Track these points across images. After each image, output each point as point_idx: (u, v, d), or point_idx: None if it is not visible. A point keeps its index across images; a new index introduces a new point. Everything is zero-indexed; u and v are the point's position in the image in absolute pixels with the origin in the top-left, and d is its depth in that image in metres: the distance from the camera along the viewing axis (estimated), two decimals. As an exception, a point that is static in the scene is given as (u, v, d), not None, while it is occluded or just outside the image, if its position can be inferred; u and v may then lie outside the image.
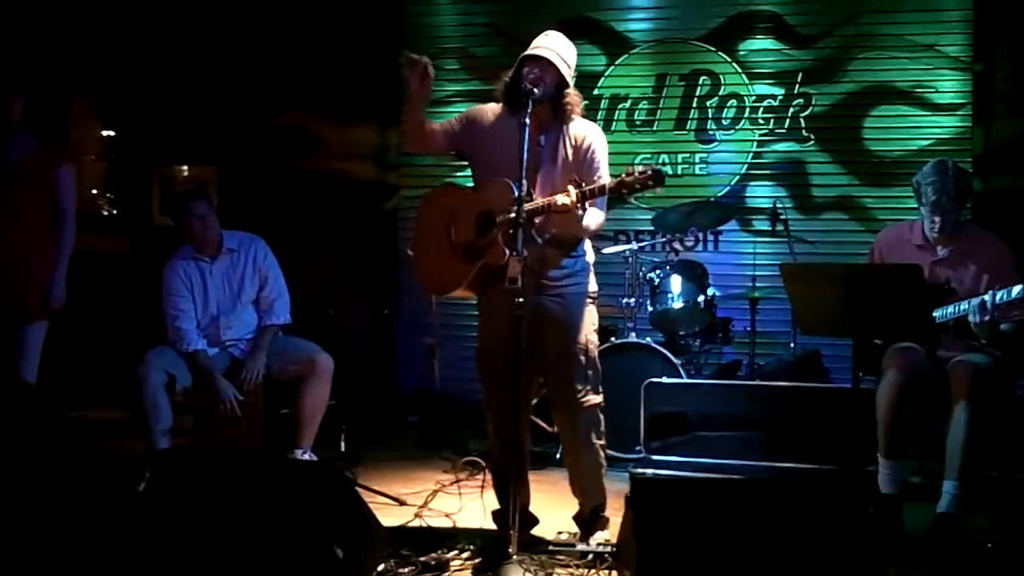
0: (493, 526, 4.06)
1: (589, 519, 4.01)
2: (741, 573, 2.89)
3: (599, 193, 3.64)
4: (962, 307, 4.13)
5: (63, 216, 4.67)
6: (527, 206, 3.62)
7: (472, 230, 3.85)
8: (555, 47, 3.82)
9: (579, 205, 3.60)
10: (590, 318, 3.95)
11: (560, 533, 4.07)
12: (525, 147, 3.59)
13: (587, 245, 4.00)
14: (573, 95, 3.85)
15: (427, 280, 4.11)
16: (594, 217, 3.78)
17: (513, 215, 3.59)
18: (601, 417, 3.96)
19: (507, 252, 3.57)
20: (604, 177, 3.81)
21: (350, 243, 7.49)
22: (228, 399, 4.78)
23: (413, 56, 3.89)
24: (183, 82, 7.66)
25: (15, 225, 4.56)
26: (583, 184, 3.61)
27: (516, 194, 3.57)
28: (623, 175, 3.59)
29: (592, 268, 4.01)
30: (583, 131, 3.87)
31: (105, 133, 8.00)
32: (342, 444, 5.39)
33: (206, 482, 3.23)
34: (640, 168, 3.57)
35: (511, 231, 3.59)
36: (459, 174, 5.28)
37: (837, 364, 5.80)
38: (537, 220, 3.72)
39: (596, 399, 3.92)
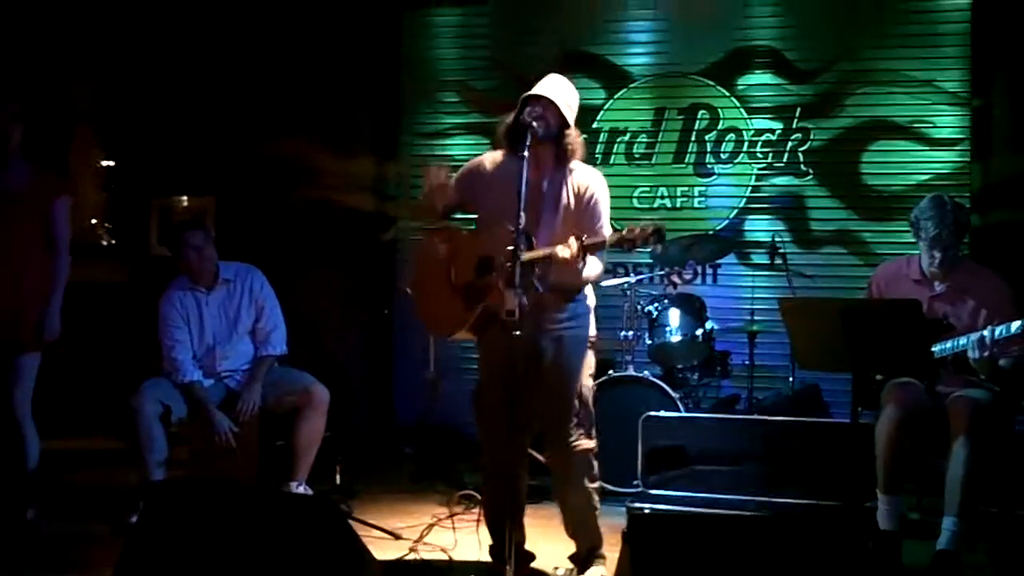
0: (489, 561, 4.03)
1: (585, 558, 3.98)
2: (739, 610, 2.86)
3: (600, 248, 3.65)
4: (960, 342, 4.12)
5: (57, 247, 4.63)
6: (528, 255, 3.63)
7: (472, 273, 3.87)
8: (557, 88, 3.83)
9: (579, 258, 3.60)
10: (587, 362, 3.95)
11: (556, 568, 4.03)
12: (524, 180, 3.59)
13: (588, 289, 3.99)
14: (574, 136, 3.85)
15: (428, 321, 4.12)
16: (593, 267, 3.79)
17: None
18: (594, 462, 3.94)
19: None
20: (605, 227, 3.84)
21: (347, 274, 7.48)
22: (223, 431, 4.76)
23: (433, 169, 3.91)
24: (182, 112, 7.68)
25: (10, 255, 4.54)
26: (584, 237, 3.61)
27: (514, 229, 3.57)
28: (624, 232, 3.60)
29: (592, 311, 4.01)
30: (586, 179, 3.87)
31: (105, 163, 8.02)
32: (337, 477, 5.36)
33: (200, 515, 3.19)
34: (642, 225, 3.57)
35: (510, 270, 3.58)
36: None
37: (836, 399, 5.77)
38: (537, 269, 3.72)
39: (589, 444, 3.91)
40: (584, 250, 3.59)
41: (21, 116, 4.59)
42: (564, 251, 3.58)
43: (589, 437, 3.90)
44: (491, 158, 3.98)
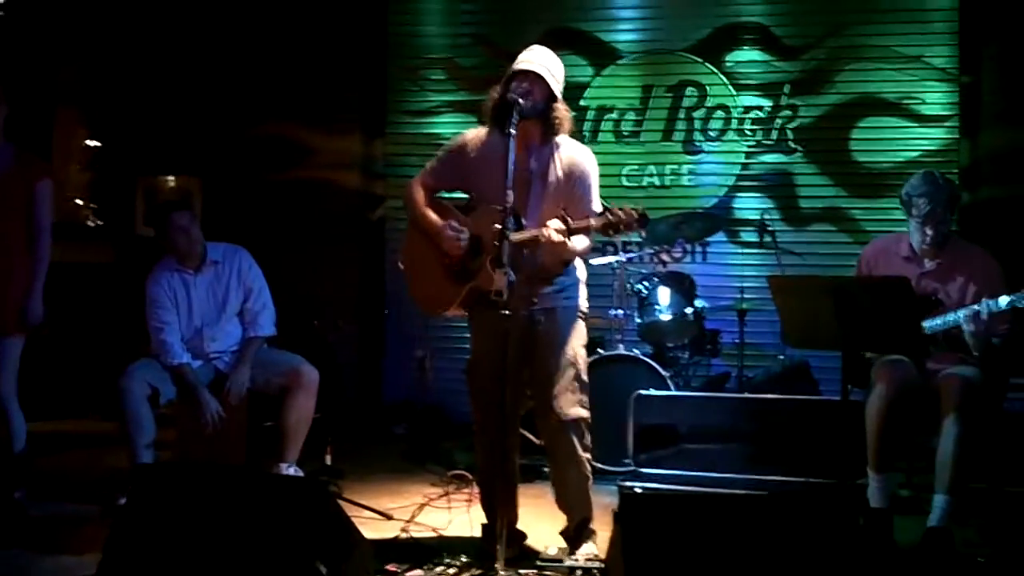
0: (480, 540, 4.02)
1: (576, 533, 3.98)
2: (731, 589, 2.86)
3: (585, 231, 3.65)
4: (950, 318, 4.13)
5: (39, 231, 4.58)
6: (515, 237, 3.61)
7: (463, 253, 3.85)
8: (543, 61, 3.80)
9: (566, 240, 3.60)
10: (579, 332, 3.95)
11: (548, 548, 4.03)
12: (511, 158, 3.57)
13: (578, 261, 3.97)
14: (562, 110, 3.82)
15: (419, 298, 4.10)
16: (580, 242, 3.77)
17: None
18: (587, 430, 3.93)
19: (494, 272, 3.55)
20: (595, 202, 3.84)
21: (336, 254, 7.45)
22: (212, 413, 4.73)
23: None
24: (168, 92, 7.63)
25: None
26: (569, 218, 3.60)
27: (501, 208, 3.54)
28: (608, 215, 3.58)
29: (583, 283, 3.99)
30: (575, 155, 3.85)
31: (90, 143, 7.95)
32: (328, 457, 5.34)
33: (189, 496, 3.18)
34: (626, 209, 3.56)
35: (498, 250, 3.56)
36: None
37: (826, 376, 5.78)
38: (525, 250, 3.70)
39: (583, 412, 3.90)
40: (570, 233, 3.59)
41: (2, 98, 4.54)
42: (553, 234, 3.57)
43: (583, 407, 3.90)
44: (475, 136, 3.95)
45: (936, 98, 6.72)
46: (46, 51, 7.43)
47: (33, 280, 4.55)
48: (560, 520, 4.06)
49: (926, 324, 4.12)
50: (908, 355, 4.30)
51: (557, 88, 3.80)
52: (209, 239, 5.03)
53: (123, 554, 3.12)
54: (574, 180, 3.82)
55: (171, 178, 7.80)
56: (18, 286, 4.51)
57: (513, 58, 3.85)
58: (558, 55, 3.89)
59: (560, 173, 3.82)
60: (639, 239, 6.39)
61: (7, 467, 4.57)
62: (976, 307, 4.03)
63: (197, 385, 4.78)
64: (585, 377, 3.93)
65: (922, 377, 4.28)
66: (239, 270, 5.02)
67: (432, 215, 3.96)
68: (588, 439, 3.95)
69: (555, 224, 3.59)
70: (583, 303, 3.99)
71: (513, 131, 3.60)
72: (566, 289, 3.92)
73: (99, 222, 7.89)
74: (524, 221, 3.76)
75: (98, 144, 7.92)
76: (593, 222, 3.63)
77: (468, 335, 4.07)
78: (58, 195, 4.76)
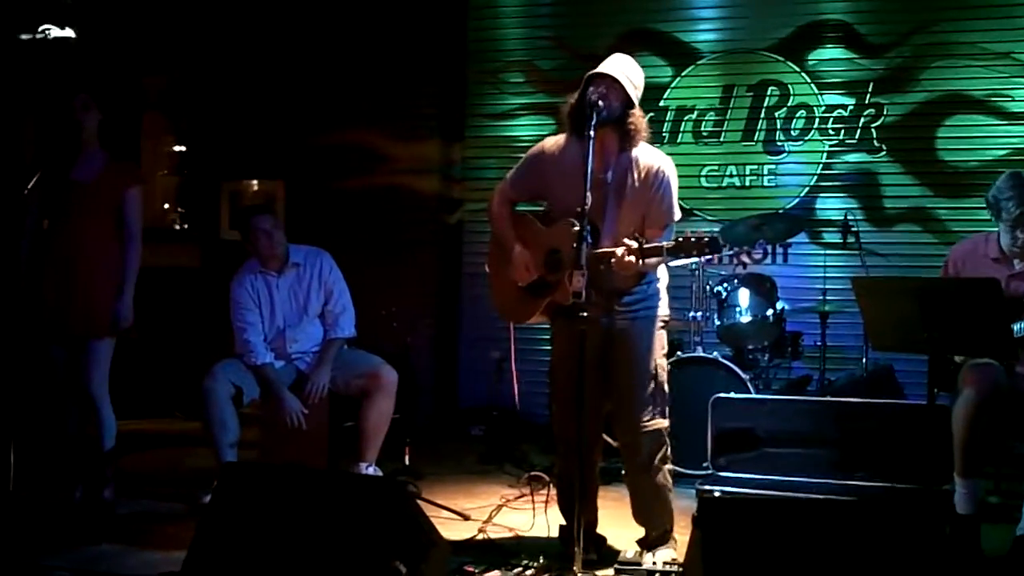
0: (558, 542, 4.02)
1: (654, 543, 3.94)
2: (812, 595, 2.82)
3: (657, 254, 3.60)
4: (1042, 321, 4.01)
5: (129, 238, 4.71)
6: (592, 252, 3.62)
7: (541, 266, 3.87)
8: (621, 67, 3.78)
9: (638, 261, 3.58)
10: (660, 342, 3.92)
11: (626, 551, 4.01)
12: (590, 159, 3.56)
13: (660, 270, 3.95)
14: (638, 116, 3.79)
15: (499, 307, 4.14)
16: (655, 261, 3.72)
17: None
18: (667, 441, 3.90)
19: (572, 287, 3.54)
20: (675, 214, 3.83)
21: (414, 257, 7.51)
22: (294, 412, 4.80)
23: None
24: (251, 98, 7.77)
25: (84, 245, 4.63)
26: (642, 239, 3.58)
27: (580, 209, 3.54)
28: (681, 239, 3.56)
29: (665, 291, 3.97)
30: (653, 161, 3.81)
31: (176, 148, 8.14)
32: (406, 458, 5.39)
33: (271, 495, 3.23)
34: (698, 234, 3.54)
35: (576, 253, 3.55)
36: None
37: (911, 380, 5.67)
38: (601, 266, 3.69)
39: (662, 423, 3.88)
40: (642, 255, 3.57)
41: (93, 105, 4.66)
42: (623, 253, 3.56)
43: (662, 416, 3.88)
44: (553, 144, 3.94)
45: (1025, 95, 6.54)
46: (133, 59, 7.62)
47: (123, 284, 4.66)
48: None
49: (1016, 327, 4.01)
50: (997, 358, 4.19)
51: (635, 94, 3.77)
52: (291, 241, 5.11)
53: (208, 551, 3.18)
54: (652, 187, 3.78)
55: (255, 182, 7.93)
56: (107, 293, 4.64)
57: (592, 60, 3.85)
58: (637, 56, 3.87)
59: (637, 181, 3.78)
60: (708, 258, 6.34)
61: (96, 465, 4.70)
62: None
63: (279, 384, 4.86)
64: (666, 387, 3.91)
65: (1011, 381, 4.16)
66: (320, 272, 5.09)
67: (510, 234, 3.99)
68: (668, 449, 3.92)
69: (628, 243, 3.57)
70: (664, 310, 3.96)
71: (592, 134, 3.59)
72: (647, 299, 3.90)
73: (185, 226, 8.06)
74: (601, 233, 3.75)
75: (184, 149, 8.10)
76: (665, 245, 3.60)
77: (547, 337, 4.08)
78: (146, 200, 4.88)
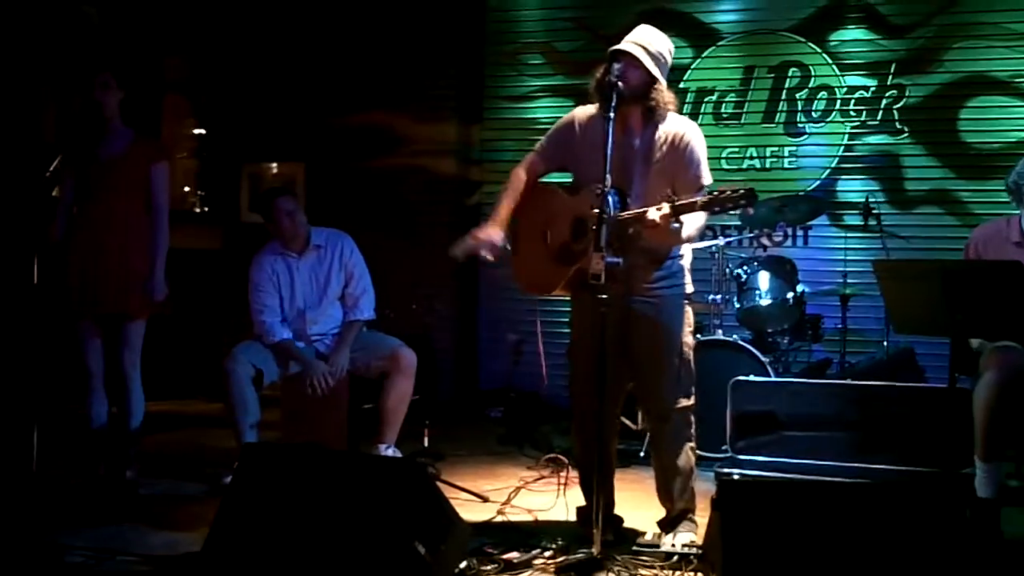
0: (577, 524, 4.03)
1: (674, 523, 3.94)
2: (831, 578, 2.82)
3: (690, 209, 3.51)
4: (1065, 305, 3.98)
5: (157, 212, 4.74)
6: (619, 216, 3.59)
7: (567, 234, 3.84)
8: (643, 41, 3.73)
9: (671, 220, 3.51)
10: (686, 319, 3.90)
11: (645, 533, 4.01)
12: (610, 140, 3.54)
13: (683, 247, 3.92)
14: (662, 91, 3.75)
15: (522, 278, 4.10)
16: (692, 224, 3.64)
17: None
18: (693, 420, 3.90)
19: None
20: (705, 176, 3.76)
21: (433, 239, 7.52)
22: (319, 376, 4.81)
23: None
24: (271, 80, 7.77)
25: (115, 223, 4.66)
26: (675, 198, 3.50)
27: (600, 191, 3.52)
28: (716, 192, 3.50)
29: (688, 269, 3.95)
30: (679, 128, 3.77)
31: (196, 131, 8.16)
32: (425, 440, 5.41)
33: (292, 476, 3.26)
34: (733, 187, 3.47)
35: (596, 233, 3.53)
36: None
37: (932, 363, 5.64)
38: (631, 230, 3.66)
39: (688, 402, 3.87)
40: (676, 211, 3.51)
41: (115, 85, 4.68)
42: (654, 213, 3.50)
43: (688, 396, 3.87)
44: (583, 114, 3.90)
45: (1050, 76, 6.48)
46: (154, 41, 7.64)
47: (155, 260, 4.71)
48: (658, 504, 4.03)
49: (1038, 310, 3.98)
50: (1019, 341, 4.17)
51: (655, 69, 3.73)
52: (311, 224, 5.13)
53: (229, 531, 3.21)
54: (680, 153, 3.74)
55: (274, 164, 7.95)
56: (140, 270, 4.68)
57: (611, 41, 3.81)
58: (666, 37, 3.83)
59: (665, 149, 3.75)
60: (740, 222, 6.31)
61: (121, 445, 4.74)
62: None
63: (299, 352, 4.88)
64: (692, 365, 3.90)
65: (1034, 364, 4.14)
66: (341, 255, 5.11)
67: (503, 208, 3.98)
68: (693, 429, 3.92)
69: (661, 205, 3.52)
70: (688, 287, 3.94)
71: (611, 114, 3.58)
72: (671, 276, 3.86)
73: (205, 208, 8.09)
74: (629, 200, 3.72)
75: (204, 132, 8.12)
76: (699, 200, 3.52)
77: (565, 320, 4.07)
78: (169, 181, 4.91)
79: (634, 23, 3.89)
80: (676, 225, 3.55)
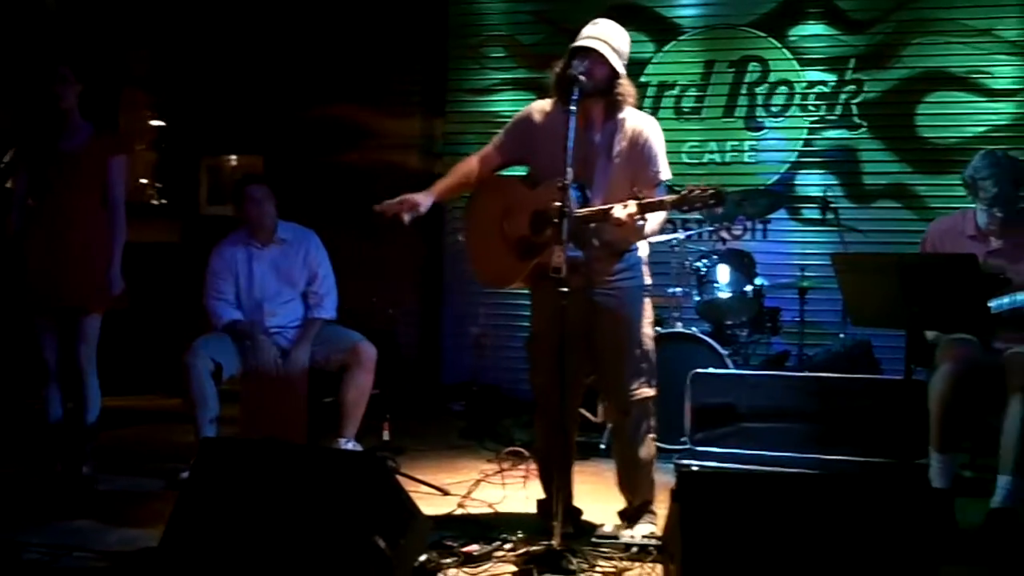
0: (537, 516, 4.03)
1: (635, 514, 3.97)
2: (788, 568, 2.84)
3: (660, 207, 3.59)
4: (1018, 297, 4.04)
5: (113, 206, 4.71)
6: (582, 212, 3.61)
7: (526, 227, 3.83)
8: (605, 37, 3.75)
9: (636, 218, 3.55)
10: (645, 311, 3.93)
11: (604, 525, 4.03)
12: (571, 136, 3.55)
13: (641, 242, 3.94)
14: (625, 86, 3.78)
15: (480, 272, 4.09)
16: (654, 218, 3.72)
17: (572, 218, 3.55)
18: (653, 410, 3.92)
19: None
20: (664, 171, 3.80)
21: (396, 232, 7.46)
22: (271, 355, 4.83)
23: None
24: (231, 72, 7.71)
25: (73, 217, 4.62)
26: (641, 196, 3.55)
27: (562, 184, 3.52)
28: (685, 191, 3.53)
29: (645, 261, 3.97)
30: (639, 124, 3.81)
31: (155, 123, 8.08)
32: (386, 433, 5.39)
33: (250, 471, 3.23)
34: (701, 186, 3.51)
35: (558, 226, 3.54)
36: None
37: (888, 355, 5.70)
38: (592, 225, 3.67)
39: (650, 393, 3.89)
40: (643, 209, 3.55)
41: (74, 78, 4.64)
42: (621, 211, 3.53)
43: (650, 386, 3.89)
44: (540, 108, 3.92)
45: (1006, 72, 6.55)
46: (113, 33, 7.55)
47: (112, 253, 4.67)
48: (617, 496, 4.05)
49: (992, 303, 4.04)
50: (974, 334, 4.22)
51: (619, 65, 3.75)
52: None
53: (186, 526, 3.18)
54: (639, 148, 3.78)
55: (234, 157, 7.89)
56: (102, 261, 4.65)
57: (574, 35, 3.82)
58: (624, 31, 3.84)
59: (625, 144, 3.78)
60: (700, 216, 6.34)
61: (77, 440, 4.69)
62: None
63: (252, 331, 4.88)
64: (653, 357, 3.92)
65: (988, 356, 4.19)
66: (307, 252, 5.13)
67: (443, 184, 4.05)
68: (654, 420, 3.94)
69: (627, 202, 3.55)
70: (647, 279, 3.97)
71: (573, 108, 3.58)
72: (630, 268, 3.89)
73: (163, 201, 8.01)
74: (590, 195, 3.74)
75: (163, 124, 8.04)
76: (667, 198, 3.58)
77: (527, 314, 4.07)
78: (126, 175, 4.87)
79: (597, 17, 3.89)
80: (642, 223, 3.58)
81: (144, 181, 8.02)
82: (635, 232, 3.68)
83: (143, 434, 5.98)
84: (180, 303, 7.04)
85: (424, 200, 3.95)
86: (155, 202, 8.03)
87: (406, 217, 3.94)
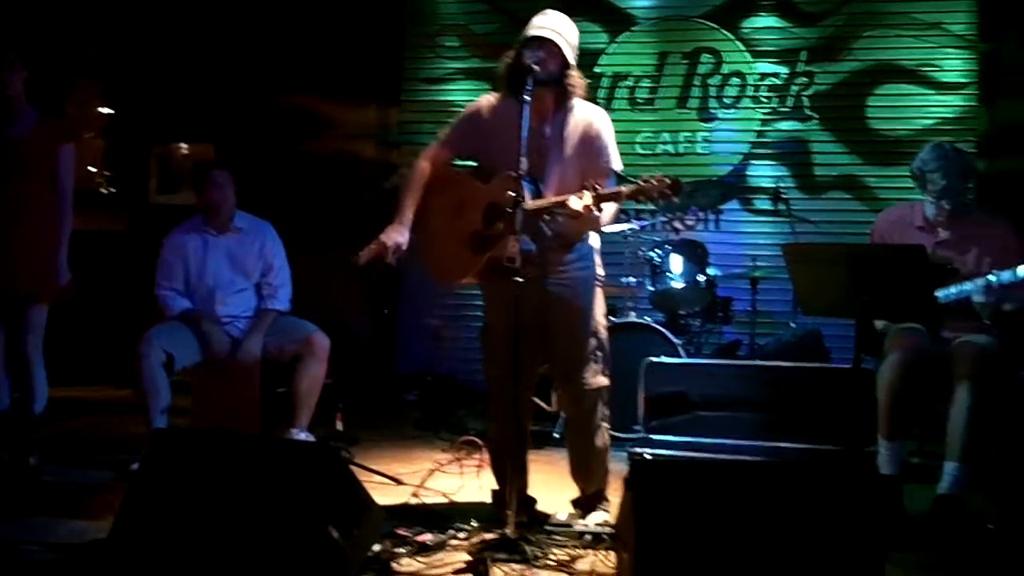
0: (491, 506, 4.04)
1: (589, 502, 3.98)
2: (740, 554, 2.87)
3: (616, 198, 3.61)
4: (966, 287, 4.09)
5: (61, 194, 4.66)
6: (535, 204, 3.62)
7: (479, 221, 3.83)
8: (558, 27, 3.76)
9: (593, 209, 3.56)
10: (599, 300, 3.94)
11: (558, 513, 4.04)
12: (525, 126, 3.55)
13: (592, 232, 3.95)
14: (576, 76, 3.79)
15: (433, 267, 4.08)
16: (608, 208, 3.73)
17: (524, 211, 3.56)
18: (607, 399, 3.94)
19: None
20: (615, 162, 3.82)
21: (350, 223, 7.44)
22: (220, 344, 4.80)
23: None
24: (182, 60, 7.61)
25: (21, 205, 4.57)
26: (598, 187, 3.56)
27: (516, 175, 3.53)
28: (641, 181, 3.55)
29: (598, 251, 3.98)
30: (588, 115, 3.83)
31: (104, 111, 7.96)
32: (339, 424, 5.37)
33: (202, 462, 3.20)
34: (658, 176, 3.52)
35: (512, 217, 3.54)
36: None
37: (838, 344, 5.77)
38: (547, 216, 3.68)
39: (604, 381, 3.91)
40: (599, 200, 3.56)
41: (20, 64, 4.57)
42: (577, 202, 3.54)
43: (603, 375, 3.91)
44: (487, 103, 3.92)
45: (954, 65, 6.65)
46: (63, 19, 7.43)
47: (60, 242, 4.61)
48: (571, 485, 4.07)
49: (939, 293, 4.09)
50: (922, 323, 4.28)
51: (571, 55, 3.76)
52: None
53: (136, 518, 3.14)
54: (590, 140, 3.80)
55: (184, 146, 7.80)
56: (48, 248, 4.60)
57: (527, 25, 3.82)
58: (573, 22, 3.86)
59: (576, 136, 3.79)
60: (653, 207, 6.37)
61: (24, 429, 4.63)
62: (989, 278, 4.00)
63: (203, 319, 4.86)
64: (606, 345, 3.94)
65: (936, 345, 4.26)
66: (263, 244, 5.13)
67: (408, 207, 3.95)
68: (607, 409, 3.96)
69: (583, 193, 3.56)
70: (600, 270, 3.98)
71: (528, 98, 3.58)
72: (583, 258, 3.90)
73: (112, 190, 7.91)
74: (542, 187, 3.74)
75: (112, 111, 7.93)
76: (624, 189, 3.60)
77: (481, 304, 4.07)
78: (74, 163, 4.81)
79: (551, 7, 3.90)
80: (597, 214, 3.59)
81: (93, 169, 7.90)
82: (590, 223, 3.70)
83: (93, 425, 5.91)
84: (129, 292, 6.96)
85: (402, 235, 3.89)
86: (104, 191, 7.92)
87: (392, 259, 3.88)
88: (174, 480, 3.17)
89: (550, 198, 3.68)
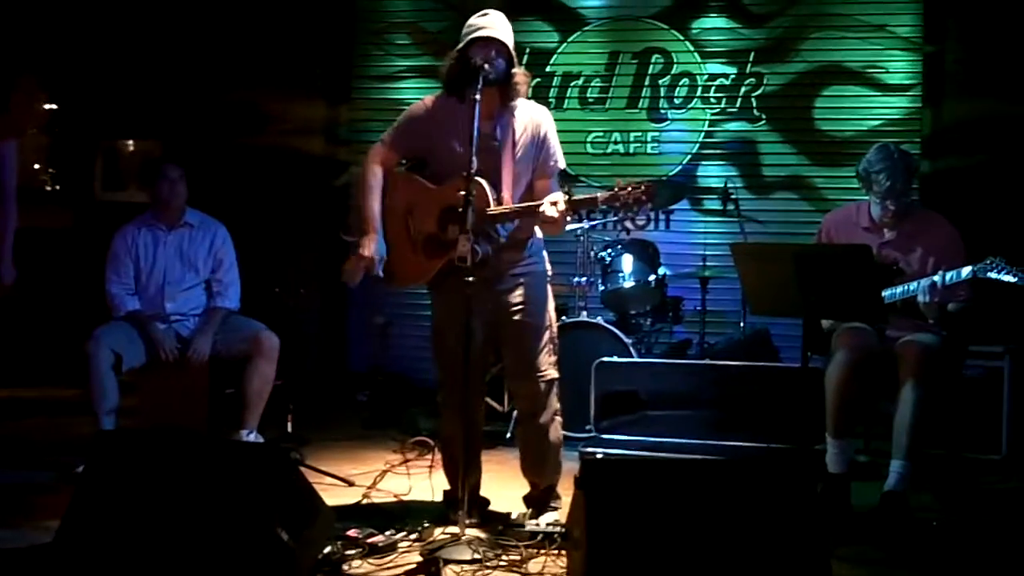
0: (442, 506, 4.03)
1: (541, 497, 3.99)
2: (691, 552, 2.89)
3: (591, 204, 3.63)
4: (911, 287, 4.15)
5: (5, 191, 4.58)
6: (501, 209, 3.63)
7: (434, 225, 3.82)
8: (502, 26, 3.78)
9: (567, 214, 3.57)
10: (549, 296, 3.96)
11: (511, 513, 4.04)
12: (476, 125, 3.55)
13: (536, 228, 3.96)
14: (521, 75, 3.80)
15: (392, 273, 4.01)
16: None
17: (484, 214, 3.58)
18: (559, 394, 3.96)
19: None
20: (560, 160, 3.88)
21: (299, 220, 7.39)
22: (168, 347, 4.76)
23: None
24: (129, 55, 7.51)
25: None
26: (570, 193, 3.59)
27: (467, 175, 3.52)
28: (616, 189, 3.55)
29: (544, 248, 3.99)
30: (534, 116, 3.85)
31: (48, 106, 7.82)
32: (289, 424, 5.33)
33: (149, 463, 3.16)
34: (633, 184, 3.53)
35: (463, 216, 3.53)
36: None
37: (786, 343, 5.83)
38: (511, 224, 3.69)
39: (555, 374, 3.93)
40: (573, 206, 3.57)
41: None
42: (551, 209, 3.54)
43: (554, 369, 3.92)
44: (427, 104, 3.92)
45: (899, 67, 6.74)
46: (6, 15, 7.29)
47: (2, 240, 4.53)
48: (522, 485, 4.07)
49: (885, 293, 4.15)
50: (868, 322, 4.34)
51: (515, 54, 3.78)
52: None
53: (82, 521, 3.10)
54: (539, 140, 3.83)
55: (131, 142, 7.69)
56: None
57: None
58: (524, 21, 3.89)
59: (527, 136, 3.81)
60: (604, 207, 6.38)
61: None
62: (934, 278, 4.06)
63: (150, 323, 4.80)
64: (556, 341, 3.96)
65: (882, 344, 4.31)
66: (213, 241, 5.09)
67: (373, 211, 3.89)
68: (559, 404, 3.97)
69: (554, 198, 3.56)
70: (548, 268, 4.00)
71: (478, 97, 3.58)
72: (534, 254, 3.92)
73: (57, 187, 7.78)
74: (497, 185, 3.73)
75: (56, 107, 7.79)
76: (599, 196, 3.60)
77: (429, 301, 4.05)
78: (17, 159, 4.72)
79: (502, 6, 3.90)
80: (569, 218, 3.61)
81: (37, 166, 7.77)
82: (560, 227, 3.71)
83: (37, 426, 5.81)
84: (75, 290, 6.85)
85: (375, 245, 3.84)
86: (48, 188, 7.78)
87: (377, 271, 3.85)
88: (121, 482, 3.12)
89: (517, 204, 3.70)
